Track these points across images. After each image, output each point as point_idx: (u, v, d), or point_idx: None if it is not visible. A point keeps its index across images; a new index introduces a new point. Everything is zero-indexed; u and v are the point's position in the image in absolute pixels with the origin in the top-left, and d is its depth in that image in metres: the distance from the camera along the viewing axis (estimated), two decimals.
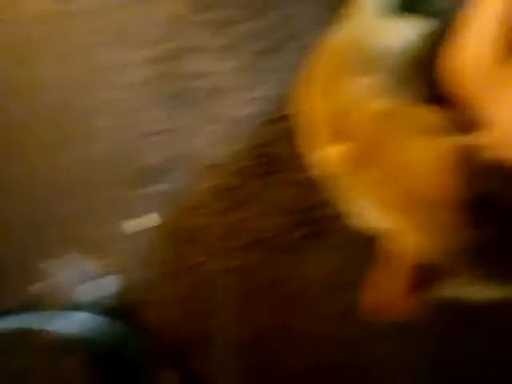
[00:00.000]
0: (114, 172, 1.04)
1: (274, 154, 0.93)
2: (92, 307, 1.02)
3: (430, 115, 0.52)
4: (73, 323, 1.00)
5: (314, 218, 0.92)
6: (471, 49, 0.57)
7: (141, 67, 1.00)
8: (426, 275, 0.43)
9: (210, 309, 1.02)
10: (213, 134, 0.97)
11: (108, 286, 1.03)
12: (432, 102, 0.56)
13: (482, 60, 0.54)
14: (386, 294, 0.44)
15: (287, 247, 0.95)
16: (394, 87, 0.58)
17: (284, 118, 0.91)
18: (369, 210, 0.54)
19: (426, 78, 0.66)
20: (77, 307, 1.01)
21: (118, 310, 1.03)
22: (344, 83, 0.60)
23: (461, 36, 0.58)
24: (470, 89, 0.59)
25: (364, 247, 0.76)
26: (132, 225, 1.05)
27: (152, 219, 1.04)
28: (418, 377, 0.90)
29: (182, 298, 1.03)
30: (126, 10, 1.01)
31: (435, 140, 0.45)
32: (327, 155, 0.62)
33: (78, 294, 1.00)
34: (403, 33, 0.67)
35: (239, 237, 0.97)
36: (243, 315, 0.99)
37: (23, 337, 0.99)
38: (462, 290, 0.42)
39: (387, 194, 0.48)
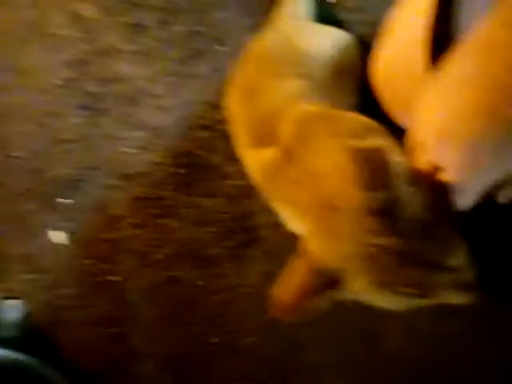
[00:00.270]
0: (22, 183, 0.96)
1: (196, 162, 0.89)
2: None
3: (350, 121, 0.52)
4: None
5: (242, 228, 0.90)
6: (389, 56, 0.58)
7: (54, 70, 0.93)
8: (324, 278, 0.42)
9: (131, 328, 0.97)
10: (130, 142, 0.91)
11: (11, 311, 0.94)
12: (362, 108, 0.56)
13: (400, 66, 0.55)
14: (290, 291, 0.44)
15: (213, 259, 0.92)
16: (317, 92, 0.59)
17: (206, 125, 0.88)
18: (287, 214, 0.53)
19: (355, 85, 0.67)
20: None
21: (22, 337, 0.95)
22: (267, 87, 0.59)
23: (381, 44, 0.60)
24: (386, 95, 0.60)
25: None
26: (41, 242, 0.97)
27: (61, 235, 0.98)
28: None
29: (99, 319, 0.97)
30: (38, 8, 0.93)
31: (345, 146, 0.45)
32: (251, 159, 0.60)
33: None
34: (326, 40, 0.68)
35: (162, 250, 0.93)
36: (167, 332, 0.95)
37: None
38: (362, 295, 0.43)
39: (300, 197, 0.47)
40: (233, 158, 0.88)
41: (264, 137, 0.55)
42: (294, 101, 0.56)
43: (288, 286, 0.44)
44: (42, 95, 0.94)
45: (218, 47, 0.87)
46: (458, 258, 0.40)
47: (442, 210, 0.39)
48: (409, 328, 0.86)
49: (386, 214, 0.38)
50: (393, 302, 0.42)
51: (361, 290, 0.42)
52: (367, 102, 0.62)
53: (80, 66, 0.92)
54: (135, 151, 0.91)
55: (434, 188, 0.39)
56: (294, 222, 0.52)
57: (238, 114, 0.62)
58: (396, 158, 0.39)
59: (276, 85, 0.59)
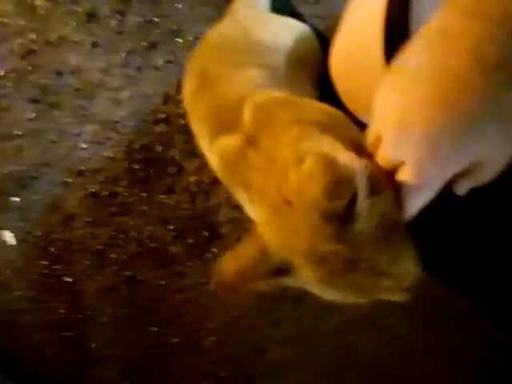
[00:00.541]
0: None
1: (153, 157, 0.86)
2: None
3: (312, 107, 0.52)
4: None
5: (203, 225, 0.88)
6: (347, 50, 0.58)
7: (1, 61, 0.88)
8: (271, 265, 0.41)
9: (88, 331, 0.93)
10: (84, 137, 0.88)
11: None
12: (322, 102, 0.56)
13: (358, 60, 0.55)
14: (235, 272, 0.43)
15: (175, 257, 0.90)
16: (277, 83, 0.57)
17: (163, 119, 0.86)
18: (245, 199, 0.52)
19: (314, 78, 0.66)
20: None
21: None
22: (227, 76, 0.58)
23: (338, 38, 0.59)
24: (345, 88, 0.59)
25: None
26: None
27: (12, 236, 0.92)
28: None
29: (53, 322, 0.93)
30: None
31: (301, 140, 0.44)
32: (212, 148, 0.58)
33: None
34: (285, 31, 0.67)
35: (119, 249, 0.90)
36: (126, 334, 0.92)
37: None
38: (307, 287, 0.42)
39: (258, 183, 0.46)
40: (192, 153, 0.86)
41: (224, 125, 0.53)
42: (254, 90, 0.55)
43: (234, 266, 0.43)
44: None
45: (174, 38, 0.85)
46: (406, 267, 0.40)
47: (396, 222, 0.39)
48: (372, 323, 0.86)
49: (341, 221, 0.37)
50: (337, 297, 0.42)
51: (307, 282, 0.41)
52: (327, 95, 0.61)
53: (29, 57, 0.87)
54: (89, 146, 0.87)
55: (391, 196, 0.38)
56: (250, 207, 0.51)
57: (196, 103, 0.60)
58: (358, 165, 0.38)
59: (235, 74, 0.58)
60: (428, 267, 0.81)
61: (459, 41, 0.33)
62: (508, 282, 0.82)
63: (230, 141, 0.51)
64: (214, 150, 0.55)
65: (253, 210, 0.50)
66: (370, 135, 0.41)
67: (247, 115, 0.51)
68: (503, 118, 0.33)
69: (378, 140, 0.40)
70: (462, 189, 0.41)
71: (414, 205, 0.38)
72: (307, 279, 0.41)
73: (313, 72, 0.66)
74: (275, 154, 0.46)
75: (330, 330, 0.87)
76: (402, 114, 0.36)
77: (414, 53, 0.36)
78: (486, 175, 0.39)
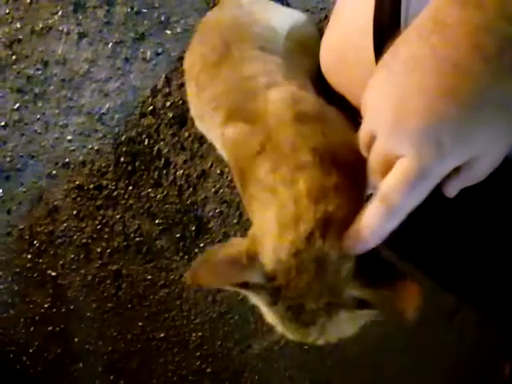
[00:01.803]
0: None
1: (140, 150, 0.85)
2: None
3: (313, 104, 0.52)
4: None
5: (190, 219, 0.87)
6: (338, 41, 0.58)
7: None
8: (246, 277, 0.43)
9: (72, 325, 0.92)
10: (70, 129, 0.86)
11: None
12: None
13: (349, 51, 0.55)
14: (211, 271, 0.44)
15: (161, 252, 0.89)
16: (281, 67, 0.57)
17: (150, 111, 0.84)
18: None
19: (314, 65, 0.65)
20: None
21: None
22: (235, 60, 0.57)
23: (329, 29, 0.59)
24: (337, 79, 0.59)
25: None
26: None
27: None
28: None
29: (37, 316, 0.91)
30: None
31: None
32: (223, 136, 0.57)
33: None
34: (286, 17, 0.67)
35: (105, 243, 0.88)
36: (110, 329, 0.91)
37: None
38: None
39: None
40: (179, 147, 0.86)
41: (241, 110, 0.52)
42: (263, 77, 0.54)
43: (213, 265, 0.45)
44: None
45: (162, 30, 0.83)
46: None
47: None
48: None
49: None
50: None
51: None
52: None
53: (14, 46, 0.85)
54: (75, 138, 0.86)
55: None
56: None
57: (212, 75, 0.59)
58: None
59: (244, 57, 0.57)
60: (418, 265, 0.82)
61: (456, 30, 0.32)
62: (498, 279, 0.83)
63: (241, 129, 0.51)
64: (227, 132, 0.54)
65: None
66: (363, 133, 0.40)
67: (259, 111, 0.50)
68: (505, 106, 0.33)
69: (372, 137, 0.39)
70: (452, 189, 0.40)
71: (410, 199, 0.37)
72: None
73: (312, 60, 0.66)
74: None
75: None
76: (398, 106, 0.35)
77: (406, 44, 0.35)
78: (478, 172, 0.37)
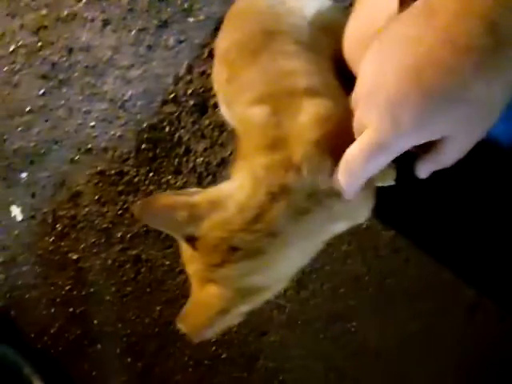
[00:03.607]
0: None
1: (161, 137, 0.86)
2: None
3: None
4: None
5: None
6: (360, 28, 0.57)
7: (11, 36, 0.88)
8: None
9: (92, 307, 0.94)
10: (93, 115, 0.87)
11: None
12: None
13: (366, 41, 0.54)
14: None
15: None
16: (307, 56, 0.57)
17: (172, 99, 0.85)
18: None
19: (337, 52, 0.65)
20: None
21: None
22: (267, 48, 0.57)
23: (350, 19, 0.59)
24: (355, 69, 0.59)
25: None
26: None
27: (20, 211, 0.93)
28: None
29: (58, 298, 0.93)
30: None
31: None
32: (245, 112, 0.58)
33: None
34: (313, 3, 0.66)
35: (125, 228, 0.90)
36: (129, 312, 0.93)
37: None
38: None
39: None
40: (200, 134, 0.86)
41: (267, 96, 0.53)
42: (302, 78, 0.54)
43: (158, 206, 0.48)
44: None
45: (185, 18, 0.84)
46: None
47: None
48: (376, 310, 0.87)
49: None
50: None
51: None
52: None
53: (40, 33, 0.87)
54: (98, 124, 0.87)
55: None
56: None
57: (237, 71, 0.59)
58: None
59: (283, 51, 0.57)
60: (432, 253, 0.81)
61: (438, 17, 0.33)
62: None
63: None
64: (250, 111, 0.54)
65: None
66: (352, 99, 0.43)
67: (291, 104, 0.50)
68: (469, 101, 0.34)
69: (354, 101, 0.42)
70: (423, 171, 0.42)
71: (368, 168, 0.40)
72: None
73: (336, 45, 0.65)
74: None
75: (333, 316, 0.88)
76: (374, 80, 0.38)
77: (398, 22, 0.37)
78: (447, 157, 0.39)
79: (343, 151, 0.43)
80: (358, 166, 0.40)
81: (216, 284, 0.47)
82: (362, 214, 0.53)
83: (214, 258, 0.47)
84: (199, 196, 0.48)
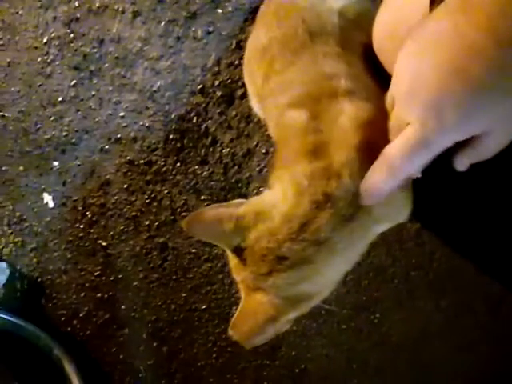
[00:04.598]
0: (11, 144, 0.94)
1: (188, 128, 0.87)
2: None
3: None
4: None
5: (235, 197, 0.89)
6: (386, 22, 0.57)
7: (44, 28, 0.90)
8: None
9: (120, 293, 0.97)
10: (123, 105, 0.89)
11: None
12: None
13: (397, 33, 0.54)
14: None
15: None
16: (346, 55, 0.57)
17: (200, 90, 0.86)
18: None
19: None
20: None
21: (9, 299, 0.95)
22: (307, 47, 0.57)
23: (380, 10, 0.58)
24: (385, 61, 0.59)
25: None
26: (31, 205, 0.96)
27: (51, 199, 0.96)
28: None
29: (87, 283, 0.96)
30: None
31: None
32: (283, 117, 0.58)
33: None
34: None
35: (152, 216, 0.92)
36: (155, 298, 0.95)
37: None
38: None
39: None
40: (227, 125, 0.87)
41: (305, 99, 0.53)
42: (345, 80, 0.53)
43: (204, 220, 0.50)
44: (32, 54, 0.91)
45: (214, 9, 0.84)
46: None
47: None
48: (401, 302, 0.87)
49: None
50: None
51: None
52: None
53: (72, 24, 0.89)
54: (127, 114, 0.89)
55: None
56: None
57: (277, 68, 0.59)
58: None
59: (326, 52, 0.56)
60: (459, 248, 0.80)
61: (479, 11, 0.33)
62: None
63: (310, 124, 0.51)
64: (288, 114, 0.54)
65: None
66: (388, 97, 0.44)
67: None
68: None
69: (394, 103, 0.42)
70: (462, 164, 0.42)
71: (410, 166, 0.40)
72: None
73: (366, 39, 0.65)
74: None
75: (356, 307, 0.88)
76: (414, 77, 0.38)
77: (434, 18, 0.37)
78: (487, 150, 0.39)
79: (380, 152, 0.43)
80: (400, 163, 0.40)
81: (264, 292, 0.49)
82: (403, 214, 0.53)
83: (261, 268, 0.48)
84: (244, 207, 0.50)
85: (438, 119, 0.36)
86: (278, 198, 0.49)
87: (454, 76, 0.34)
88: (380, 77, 0.56)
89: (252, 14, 0.81)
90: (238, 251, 0.50)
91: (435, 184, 0.77)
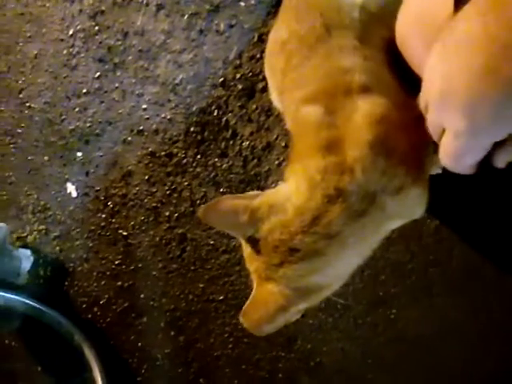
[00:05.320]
0: (36, 134, 0.96)
1: (209, 121, 0.88)
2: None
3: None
4: None
5: (253, 190, 0.89)
6: (411, 12, 0.56)
7: (70, 21, 0.92)
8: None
9: (139, 282, 0.99)
10: (145, 98, 0.91)
11: (23, 260, 0.97)
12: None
13: (427, 23, 0.54)
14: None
15: None
16: (363, 49, 0.56)
17: (222, 83, 0.87)
18: None
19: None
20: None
21: (32, 286, 0.98)
22: (325, 43, 0.56)
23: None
24: (407, 53, 0.59)
25: None
26: (55, 194, 0.98)
27: (75, 188, 0.98)
28: None
29: (108, 272, 0.98)
30: None
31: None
32: (298, 111, 0.58)
33: None
34: None
35: (172, 207, 0.93)
36: (174, 288, 0.97)
37: None
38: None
39: None
40: (247, 119, 0.88)
41: (321, 94, 0.53)
42: (360, 75, 0.53)
43: (220, 210, 0.52)
44: (58, 46, 0.93)
45: (237, 2, 0.85)
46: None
47: None
48: (417, 298, 0.87)
49: None
50: None
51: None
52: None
53: (97, 17, 0.91)
54: (149, 107, 0.91)
55: None
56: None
57: (294, 64, 0.59)
58: None
59: (342, 46, 0.56)
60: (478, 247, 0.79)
61: (510, 11, 0.32)
62: None
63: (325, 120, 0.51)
64: (303, 110, 0.55)
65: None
66: (421, 102, 0.43)
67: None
68: None
69: (427, 106, 0.41)
70: (501, 161, 0.41)
71: (458, 169, 0.40)
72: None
73: (388, 34, 0.64)
74: None
75: (373, 302, 0.88)
76: (445, 82, 0.37)
77: (464, 20, 0.36)
78: None
79: (396, 147, 0.43)
80: (449, 164, 0.41)
81: (276, 282, 0.50)
82: (417, 211, 0.54)
83: (273, 259, 0.50)
84: (259, 200, 0.51)
85: (473, 123, 0.36)
86: (292, 191, 0.51)
87: (485, 78, 0.34)
88: (402, 71, 0.55)
89: (275, 8, 0.82)
90: (252, 241, 0.52)
91: (455, 180, 0.77)
